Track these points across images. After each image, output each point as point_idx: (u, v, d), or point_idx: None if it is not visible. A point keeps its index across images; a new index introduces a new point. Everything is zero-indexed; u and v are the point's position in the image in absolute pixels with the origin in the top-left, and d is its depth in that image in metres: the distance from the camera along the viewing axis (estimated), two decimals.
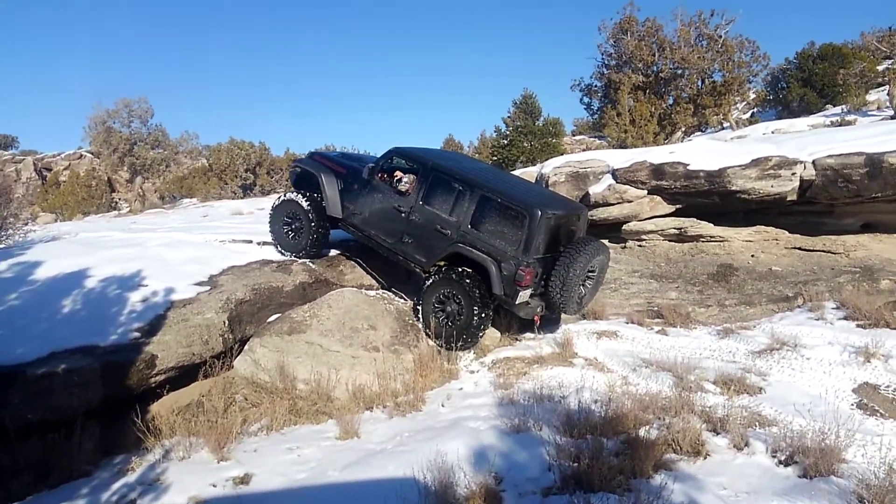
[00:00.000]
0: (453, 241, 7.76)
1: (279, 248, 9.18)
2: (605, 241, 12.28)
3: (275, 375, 6.86)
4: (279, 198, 9.38)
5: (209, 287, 7.66)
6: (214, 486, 4.99)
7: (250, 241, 9.77)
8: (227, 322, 7.20)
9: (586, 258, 7.60)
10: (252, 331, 7.55)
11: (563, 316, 9.00)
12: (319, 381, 6.68)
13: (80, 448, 5.49)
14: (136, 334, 6.42)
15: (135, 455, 5.69)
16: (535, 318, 7.91)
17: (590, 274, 8.05)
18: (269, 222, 9.34)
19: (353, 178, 8.81)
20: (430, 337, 7.77)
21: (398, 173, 8.75)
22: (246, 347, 7.26)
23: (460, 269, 7.70)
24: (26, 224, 11.94)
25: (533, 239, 7.30)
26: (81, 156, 33.40)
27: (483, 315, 7.53)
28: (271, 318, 7.75)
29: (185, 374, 6.71)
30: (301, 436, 5.90)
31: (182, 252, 8.78)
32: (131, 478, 5.31)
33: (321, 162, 9.32)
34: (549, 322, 8.77)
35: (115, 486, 5.20)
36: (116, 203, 28.39)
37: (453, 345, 7.52)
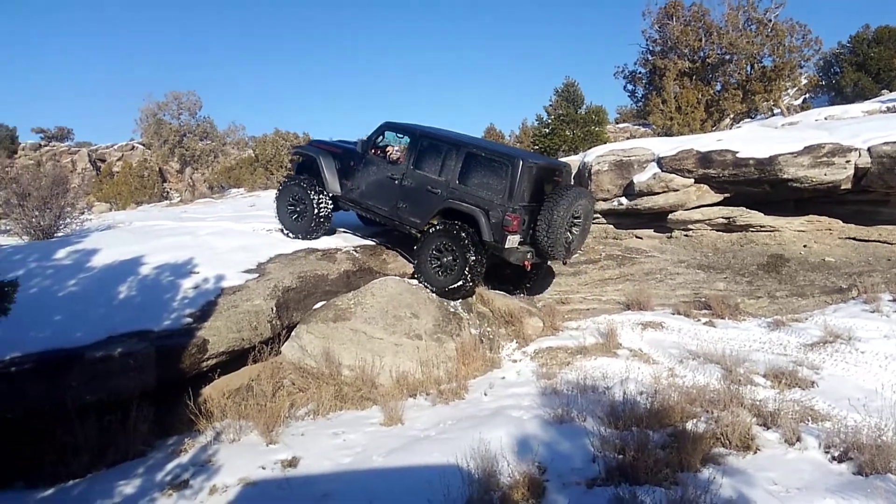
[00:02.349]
0: (444, 198, 8.34)
1: (285, 231, 9.54)
2: (650, 231, 12.25)
3: (321, 361, 6.99)
4: (282, 183, 9.91)
5: (257, 275, 7.84)
6: (263, 468, 5.13)
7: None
8: (274, 309, 7.36)
9: (568, 201, 8.07)
10: (298, 317, 7.71)
11: (603, 305, 8.94)
12: (364, 367, 6.78)
13: (135, 429, 5.69)
14: (189, 320, 6.62)
15: (187, 437, 5.88)
16: (525, 263, 8.35)
17: (575, 220, 8.49)
18: (276, 207, 9.72)
19: (348, 157, 9.40)
20: (428, 288, 8.23)
21: (389, 147, 9.40)
22: (293, 334, 7.41)
23: (452, 222, 8.21)
24: (82, 213, 12.38)
25: (516, 186, 7.85)
26: (133, 147, 34.45)
27: (476, 261, 7.97)
28: (317, 306, 7.90)
29: (235, 359, 6.89)
30: (346, 421, 6.01)
31: (231, 240, 9.01)
32: (184, 458, 5.50)
33: (319, 146, 9.96)
34: (540, 281, 9.78)
35: (169, 466, 5.40)
36: (168, 193, 29.19)
37: (451, 295, 8.11)
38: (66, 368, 5.70)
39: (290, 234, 9.41)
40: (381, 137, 9.28)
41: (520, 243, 8.13)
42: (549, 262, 9.81)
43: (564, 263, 9.58)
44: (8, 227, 10.55)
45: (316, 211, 9.21)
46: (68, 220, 11.07)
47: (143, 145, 32.26)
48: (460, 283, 7.99)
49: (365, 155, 9.19)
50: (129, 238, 9.05)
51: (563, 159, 15.87)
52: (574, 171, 13.86)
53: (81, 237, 9.24)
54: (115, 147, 35.55)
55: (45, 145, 35.00)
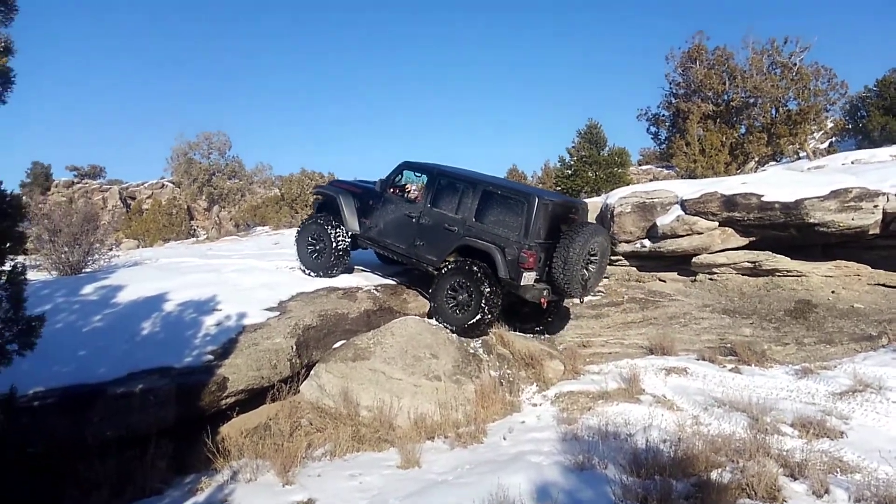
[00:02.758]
0: (461, 235, 8.44)
1: (304, 269, 9.63)
2: (674, 274, 12.11)
3: (339, 401, 6.96)
4: (303, 222, 10.09)
5: (279, 312, 7.89)
6: None
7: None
8: (294, 347, 7.38)
9: (584, 239, 8.10)
10: (318, 356, 7.71)
11: (625, 349, 8.81)
12: (382, 408, 6.73)
13: (153, 466, 5.68)
14: (210, 357, 6.66)
15: (204, 475, 5.85)
16: (542, 300, 8.28)
17: (592, 258, 8.50)
18: (296, 245, 9.87)
19: (367, 196, 9.55)
20: (446, 327, 8.20)
21: (408, 186, 9.57)
22: (312, 372, 7.41)
23: (468, 260, 8.26)
24: (110, 250, 12.64)
25: (532, 223, 7.95)
26: (163, 185, 35.33)
27: (491, 297, 8.02)
28: (337, 345, 7.90)
29: (253, 397, 6.89)
30: (363, 463, 5.94)
31: (254, 278, 9.10)
32: (200, 497, 5.46)
33: (339, 186, 10.15)
34: (558, 321, 9.84)
35: None
36: (195, 230, 29.76)
37: (468, 332, 8.10)
38: (89, 404, 5.75)
39: (310, 272, 9.50)
40: (399, 176, 9.46)
41: (536, 280, 8.16)
42: (566, 303, 9.87)
43: (581, 301, 9.57)
44: (38, 263, 10.78)
45: (334, 248, 9.33)
46: (97, 256, 11.30)
47: (173, 183, 33.08)
48: (477, 318, 8.01)
49: (383, 194, 9.34)
50: (154, 274, 9.19)
51: (586, 200, 15.93)
52: (596, 213, 13.88)
53: (109, 273, 9.42)
54: (146, 185, 36.50)
55: (78, 182, 36.05)
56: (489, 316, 8.09)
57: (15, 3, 4.29)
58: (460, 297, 8.24)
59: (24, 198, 5.05)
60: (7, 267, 4.53)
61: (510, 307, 8.94)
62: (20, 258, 4.84)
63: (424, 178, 9.20)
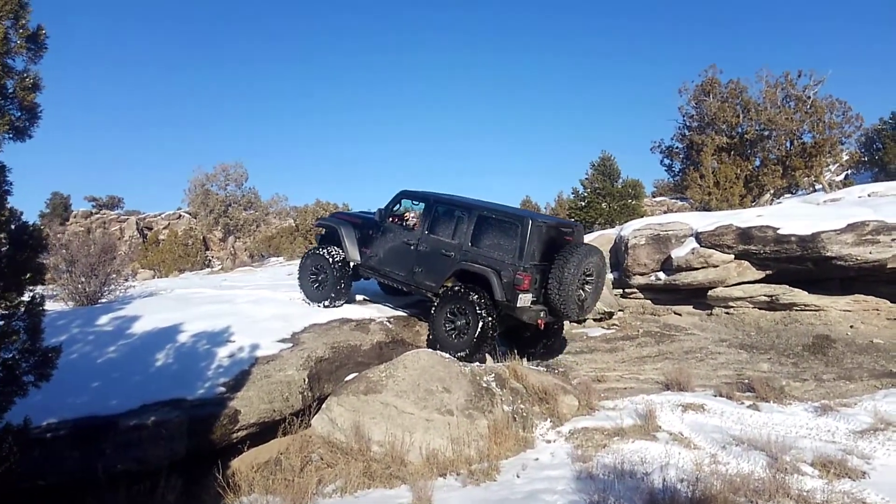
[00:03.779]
0: (458, 260, 8.65)
1: (306, 299, 9.80)
2: (689, 307, 11.99)
3: (350, 436, 6.88)
4: (306, 253, 10.33)
5: (291, 344, 7.89)
6: None
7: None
8: (306, 379, 7.36)
9: (579, 259, 8.26)
10: (330, 389, 7.66)
11: (641, 384, 8.69)
12: (394, 443, 6.64)
13: (163, 500, 5.61)
14: (222, 389, 6.65)
15: None
16: (539, 322, 8.44)
17: (588, 278, 8.66)
18: (298, 276, 10.07)
19: (367, 226, 9.81)
20: (447, 355, 8.07)
21: (407, 214, 9.82)
22: (324, 406, 7.35)
23: (464, 285, 8.45)
24: (126, 280, 12.77)
25: (526, 246, 8.15)
26: (180, 216, 35.77)
27: (488, 322, 8.19)
28: (349, 377, 7.85)
29: (265, 431, 6.84)
30: (374, 500, 5.85)
31: (267, 309, 9.13)
32: None
33: (339, 218, 10.56)
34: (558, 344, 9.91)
35: None
36: (210, 261, 29.99)
37: (467, 357, 8.14)
38: (100, 436, 5.75)
39: (313, 303, 9.67)
40: (398, 205, 9.70)
41: (533, 302, 8.34)
42: (565, 325, 10.12)
43: (580, 322, 9.89)
44: (55, 293, 10.90)
45: (337, 285, 9.53)
46: (113, 286, 11.43)
47: (190, 214, 33.46)
48: (475, 342, 8.19)
49: (383, 223, 9.60)
50: (169, 305, 9.25)
51: (600, 232, 15.90)
52: (610, 245, 13.84)
53: (124, 304, 9.50)
54: (163, 216, 36.97)
55: (96, 213, 36.59)
56: (487, 340, 8.26)
57: (45, 41, 4.42)
58: (458, 322, 8.41)
59: (44, 229, 5.12)
60: (26, 297, 4.59)
61: (511, 331, 9.09)
62: (38, 288, 4.90)
63: (422, 205, 9.45)
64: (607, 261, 12.43)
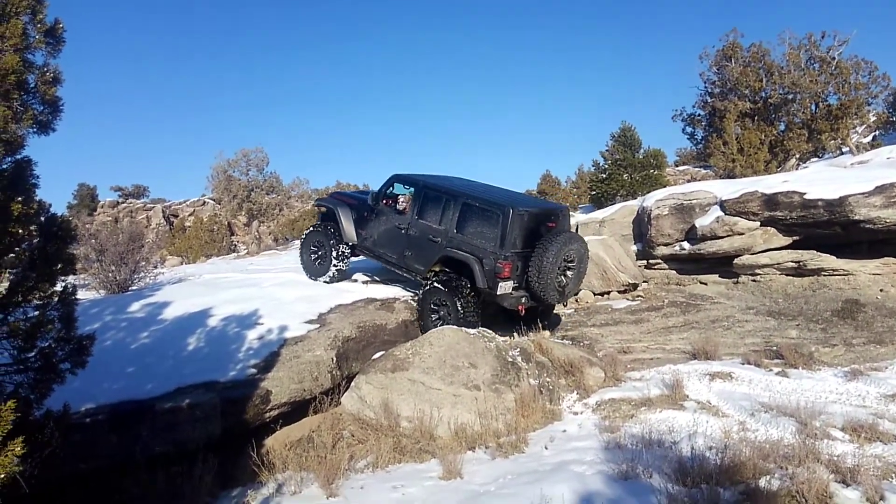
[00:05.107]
0: (443, 247, 8.87)
1: (307, 274, 10.24)
2: (715, 276, 11.88)
3: (379, 412, 7.00)
4: (306, 231, 10.69)
5: (318, 325, 8.01)
6: None
7: (356, 281, 10.29)
8: (334, 359, 7.47)
9: (558, 246, 8.40)
10: (358, 367, 7.79)
11: (667, 355, 8.66)
12: (422, 418, 6.74)
13: (200, 480, 5.74)
14: (253, 370, 6.79)
15: (250, 488, 5.93)
16: (519, 308, 8.63)
17: (569, 264, 8.83)
18: (300, 252, 10.53)
19: (363, 208, 10.08)
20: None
21: (399, 197, 10.02)
22: (352, 384, 7.47)
23: (448, 272, 8.75)
24: (155, 267, 13.00)
25: (507, 234, 8.30)
26: (205, 202, 36.12)
27: (469, 310, 8.44)
28: (375, 356, 7.96)
29: (296, 410, 6.99)
30: (405, 474, 5.96)
31: (293, 291, 9.26)
32: None
33: (337, 198, 10.84)
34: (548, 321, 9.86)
35: None
36: (235, 246, 30.30)
37: None
38: (137, 420, 5.91)
39: (312, 277, 10.13)
40: (390, 188, 9.88)
41: (514, 288, 8.55)
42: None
43: (564, 305, 10.01)
44: (86, 282, 11.14)
45: (335, 261, 9.92)
46: (142, 273, 11.63)
47: (214, 200, 33.84)
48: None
49: (376, 206, 9.84)
50: (198, 290, 9.42)
51: (622, 204, 15.75)
52: (633, 216, 13.71)
53: (154, 290, 9.69)
54: (188, 203, 37.35)
55: (123, 202, 37.09)
56: (466, 324, 8.37)
57: (63, 35, 4.48)
58: (441, 311, 8.68)
59: (72, 220, 5.24)
60: (58, 287, 4.71)
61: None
62: (70, 278, 5.02)
63: (412, 189, 9.61)
64: (614, 243, 12.48)
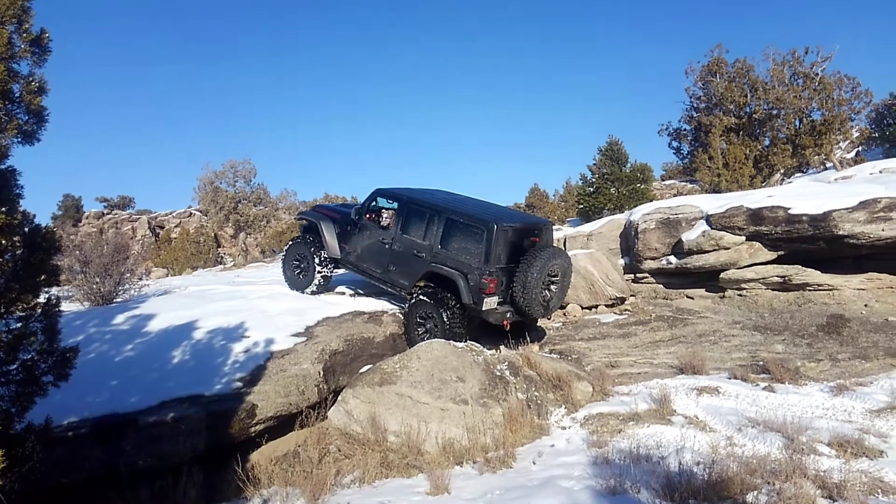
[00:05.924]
0: (428, 262, 8.85)
1: (290, 286, 10.21)
2: (702, 290, 11.95)
3: (366, 427, 6.94)
4: (289, 243, 10.67)
5: (305, 338, 7.95)
6: None
7: (343, 294, 10.24)
8: (321, 372, 7.41)
9: (542, 262, 8.43)
10: (345, 381, 7.73)
11: (655, 369, 8.68)
12: (409, 433, 6.69)
13: (185, 494, 5.68)
14: (239, 384, 6.72)
15: (235, 503, 5.87)
16: (505, 322, 8.65)
17: (553, 279, 8.88)
18: (282, 264, 10.49)
19: (346, 222, 10.01)
20: None
21: (383, 211, 9.98)
22: (339, 398, 7.41)
23: (433, 288, 8.74)
24: (141, 279, 12.83)
25: (492, 250, 8.29)
26: (191, 214, 35.94)
27: (455, 323, 8.45)
28: (363, 369, 7.91)
29: (282, 424, 6.91)
30: (392, 489, 5.90)
31: (280, 304, 9.19)
32: None
33: (320, 212, 10.70)
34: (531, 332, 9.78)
35: None
36: (222, 257, 30.13)
37: None
38: (121, 433, 5.82)
39: (294, 289, 10.08)
40: (374, 203, 9.84)
41: (499, 303, 8.56)
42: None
43: (549, 319, 10.14)
44: (70, 294, 10.99)
45: (318, 273, 9.91)
46: (127, 285, 11.47)
47: (200, 212, 33.64)
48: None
49: (359, 220, 9.79)
50: (184, 303, 9.33)
51: (609, 218, 15.84)
52: (620, 230, 13.79)
53: (139, 302, 9.58)
54: (174, 214, 37.15)
55: (108, 213, 36.81)
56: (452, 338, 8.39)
57: (49, 44, 4.45)
58: (428, 325, 8.69)
59: (57, 231, 5.17)
60: (42, 299, 4.64)
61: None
62: (54, 290, 4.95)
63: (395, 204, 9.57)
64: (602, 257, 12.49)
